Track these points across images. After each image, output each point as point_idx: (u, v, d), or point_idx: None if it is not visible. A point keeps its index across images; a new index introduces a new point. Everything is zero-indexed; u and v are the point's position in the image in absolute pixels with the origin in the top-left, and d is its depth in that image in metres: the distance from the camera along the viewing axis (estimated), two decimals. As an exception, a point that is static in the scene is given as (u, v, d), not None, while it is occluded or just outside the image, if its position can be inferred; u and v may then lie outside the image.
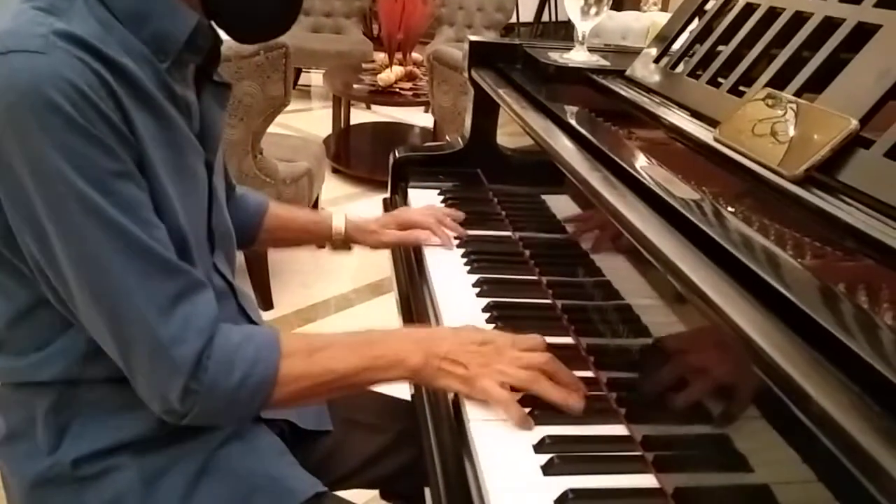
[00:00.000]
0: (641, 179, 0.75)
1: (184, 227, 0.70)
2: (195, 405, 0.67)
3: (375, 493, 1.12)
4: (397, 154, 1.40)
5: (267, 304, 2.32)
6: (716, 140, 0.82)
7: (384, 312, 2.30)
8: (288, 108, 2.22)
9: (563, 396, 0.72)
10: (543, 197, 1.10)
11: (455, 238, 1.13)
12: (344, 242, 1.12)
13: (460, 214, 1.17)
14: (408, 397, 1.01)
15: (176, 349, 0.65)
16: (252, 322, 0.87)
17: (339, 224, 1.11)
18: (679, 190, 0.73)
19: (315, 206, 2.62)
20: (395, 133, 4.17)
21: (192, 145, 0.74)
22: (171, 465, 0.75)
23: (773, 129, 0.79)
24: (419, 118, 4.41)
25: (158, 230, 0.66)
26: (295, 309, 2.34)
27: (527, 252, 1.10)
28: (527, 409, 0.72)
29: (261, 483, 0.79)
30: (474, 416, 0.73)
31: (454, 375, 0.73)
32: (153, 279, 0.64)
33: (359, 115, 4.24)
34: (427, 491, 0.75)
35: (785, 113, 0.78)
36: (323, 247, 1.19)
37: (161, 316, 0.64)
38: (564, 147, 0.89)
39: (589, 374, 0.82)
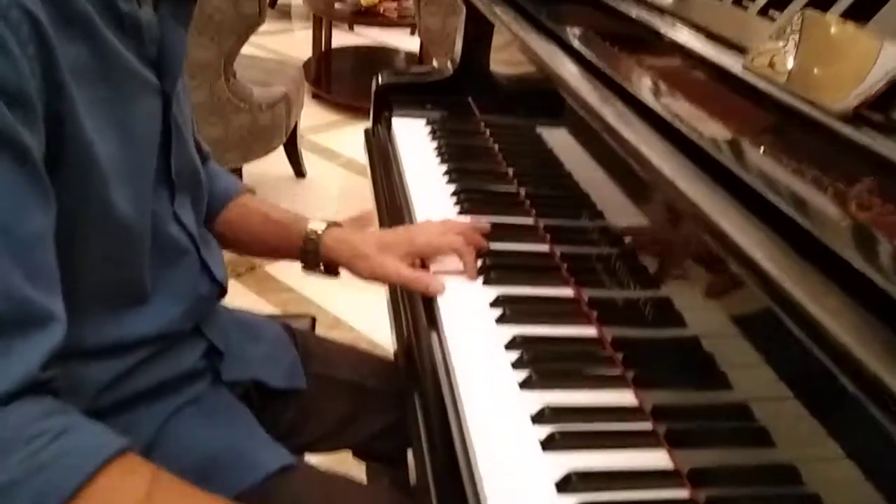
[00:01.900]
0: (661, 113, 0.65)
1: (113, 180, 0.58)
2: None
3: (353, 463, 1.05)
4: (381, 79, 1.28)
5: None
6: (745, 69, 0.72)
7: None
8: (265, 28, 2.07)
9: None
10: (539, 130, 1.00)
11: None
12: (321, 259, 0.83)
13: (486, 226, 0.88)
14: (391, 356, 0.94)
15: None
16: (217, 283, 0.75)
17: (317, 227, 0.83)
18: (705, 126, 0.63)
19: (294, 134, 2.49)
20: (378, 57, 3.98)
21: (139, 77, 0.62)
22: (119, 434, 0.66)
23: (814, 58, 0.68)
24: (405, 41, 4.20)
25: (21, 229, 0.49)
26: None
27: (522, 191, 1.01)
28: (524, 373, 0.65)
29: (220, 455, 0.70)
30: (464, 378, 0.65)
31: None
32: None
33: (341, 38, 4.05)
34: (409, 453, 0.68)
35: (828, 39, 0.68)
36: (311, 270, 0.86)
37: None
38: (572, 75, 0.78)
39: (591, 331, 0.74)
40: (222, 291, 0.77)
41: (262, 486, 0.70)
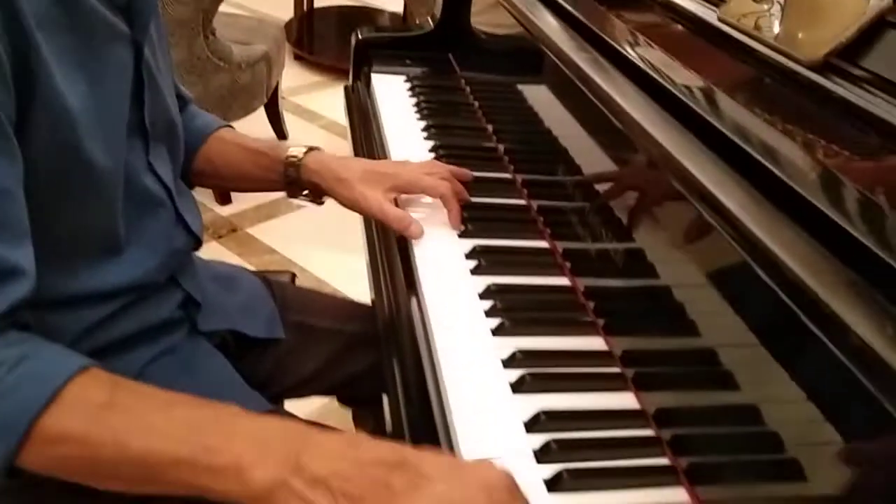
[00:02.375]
0: (636, 62, 0.65)
1: (84, 128, 0.57)
2: None
3: (331, 398, 1.07)
4: (360, 35, 1.26)
5: (224, 197, 2.20)
6: (720, 20, 0.72)
7: (349, 211, 2.21)
8: (243, -16, 2.02)
9: None
10: (520, 87, 1.00)
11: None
12: (304, 184, 0.81)
13: (468, 174, 0.86)
14: (368, 301, 0.95)
15: None
16: (192, 235, 0.74)
17: (297, 151, 0.81)
18: (679, 75, 0.63)
19: (275, 95, 2.46)
20: (362, 18, 3.91)
21: (108, 25, 0.61)
22: None
23: (786, 9, 0.69)
24: (389, 2, 4.13)
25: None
26: (255, 204, 2.23)
27: (501, 147, 1.01)
28: (497, 320, 0.66)
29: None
30: (439, 326, 0.66)
31: None
32: None
33: (323, -2, 3.96)
34: (385, 397, 0.69)
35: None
36: (295, 195, 0.84)
37: None
38: (548, 25, 0.78)
39: (564, 281, 0.75)
40: (197, 244, 0.77)
41: None
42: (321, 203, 0.85)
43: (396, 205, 0.80)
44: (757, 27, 0.68)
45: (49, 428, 0.47)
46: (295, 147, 0.83)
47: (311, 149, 0.83)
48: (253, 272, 0.96)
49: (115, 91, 0.63)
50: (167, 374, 0.71)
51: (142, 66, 0.66)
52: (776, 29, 0.66)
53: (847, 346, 0.39)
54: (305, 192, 0.84)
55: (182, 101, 0.83)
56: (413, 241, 0.78)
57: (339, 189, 0.79)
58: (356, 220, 1.00)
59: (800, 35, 0.63)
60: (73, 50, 0.56)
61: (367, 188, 0.78)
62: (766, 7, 0.70)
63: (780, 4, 0.69)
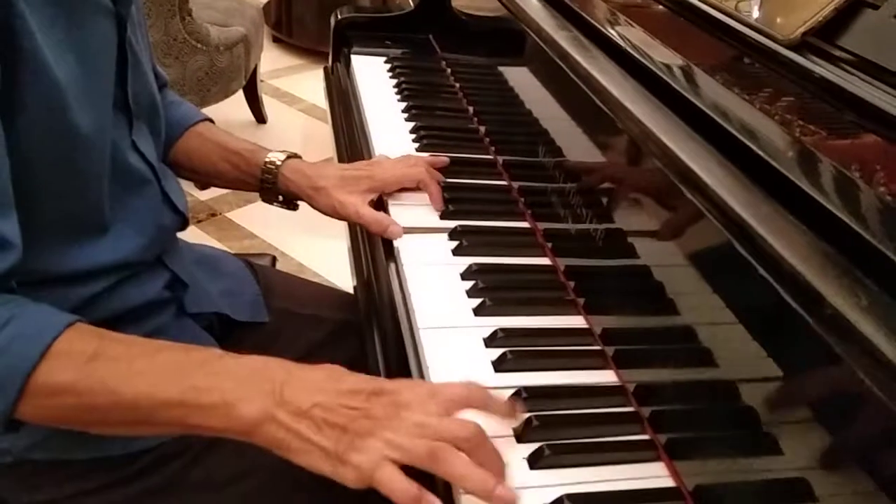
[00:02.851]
0: (616, 41, 0.65)
1: (72, 100, 0.57)
2: None
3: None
4: (339, 15, 1.25)
5: (203, 182, 2.17)
6: (701, 0, 0.72)
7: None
8: (219, -36, 1.99)
9: (488, 484, 0.46)
10: (502, 69, 0.99)
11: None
12: (280, 191, 0.81)
13: (445, 160, 0.87)
14: (350, 289, 0.94)
15: None
16: (179, 213, 0.74)
17: (275, 158, 0.80)
18: (659, 54, 0.63)
19: (253, 78, 2.43)
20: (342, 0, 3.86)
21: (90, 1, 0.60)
22: None
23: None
24: (369, -15, 4.09)
25: None
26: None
27: (482, 129, 1.00)
28: (478, 300, 0.66)
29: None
30: (421, 307, 0.66)
31: (314, 447, 0.47)
32: None
33: (302, -20, 3.90)
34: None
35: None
36: (269, 201, 0.85)
37: None
38: (529, 4, 0.77)
39: (546, 261, 0.75)
40: (184, 222, 0.76)
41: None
42: (295, 209, 0.86)
43: (375, 207, 0.79)
44: (737, 8, 0.69)
45: (43, 382, 0.49)
46: (273, 153, 0.82)
47: (290, 156, 0.83)
48: (235, 255, 0.95)
49: (101, 64, 0.62)
50: None
51: (125, 43, 0.65)
52: (756, 13, 0.67)
53: (822, 319, 0.40)
54: (280, 197, 0.84)
55: (159, 82, 0.82)
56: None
57: (315, 197, 0.80)
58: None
59: (778, 19, 0.64)
60: (58, 22, 0.56)
61: (343, 194, 0.78)
62: None
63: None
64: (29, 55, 0.53)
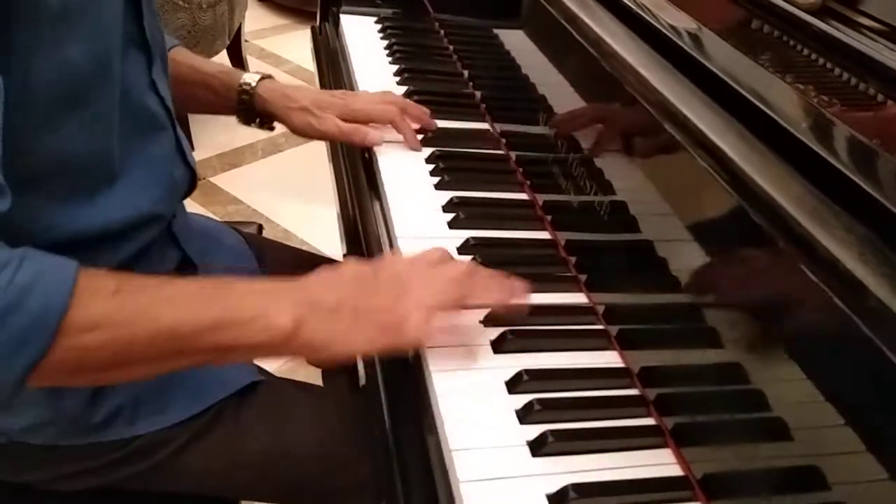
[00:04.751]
0: (624, 2, 0.62)
1: (68, 34, 0.52)
2: None
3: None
4: (328, -28, 1.19)
5: (187, 145, 2.11)
6: (713, -40, 0.68)
7: (316, 160, 2.15)
8: (200, -84, 1.90)
9: (505, 296, 0.56)
10: (498, 31, 0.95)
11: (420, 134, 0.83)
12: (257, 111, 0.81)
13: (425, 110, 0.85)
14: (339, 257, 0.91)
15: None
16: (188, 166, 0.71)
17: (250, 79, 0.80)
18: (671, 16, 0.60)
19: (237, 38, 2.35)
20: (328, -42, 3.75)
21: None
22: None
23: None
24: (356, -58, 3.97)
25: None
26: (218, 152, 2.16)
27: (477, 94, 0.96)
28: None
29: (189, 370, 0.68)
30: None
31: (364, 328, 0.51)
32: None
33: (287, -65, 3.79)
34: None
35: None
36: (247, 123, 0.85)
37: None
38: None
39: (545, 234, 0.72)
40: (193, 178, 0.73)
41: (230, 400, 0.68)
42: (272, 129, 0.86)
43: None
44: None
45: (78, 317, 0.46)
46: (248, 74, 0.82)
47: (263, 77, 0.82)
48: (228, 226, 0.92)
49: (111, 3, 0.56)
50: None
51: None
52: None
53: (841, 294, 0.37)
54: (258, 119, 0.84)
55: None
56: (388, 193, 0.74)
57: (292, 116, 0.80)
58: (321, 170, 0.96)
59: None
60: None
61: (320, 112, 0.79)
62: None
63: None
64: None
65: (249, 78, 0.81)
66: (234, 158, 2.16)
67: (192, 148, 2.24)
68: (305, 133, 0.80)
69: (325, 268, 0.55)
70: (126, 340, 0.48)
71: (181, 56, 0.83)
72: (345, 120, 0.80)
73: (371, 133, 0.78)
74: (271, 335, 0.49)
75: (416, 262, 0.56)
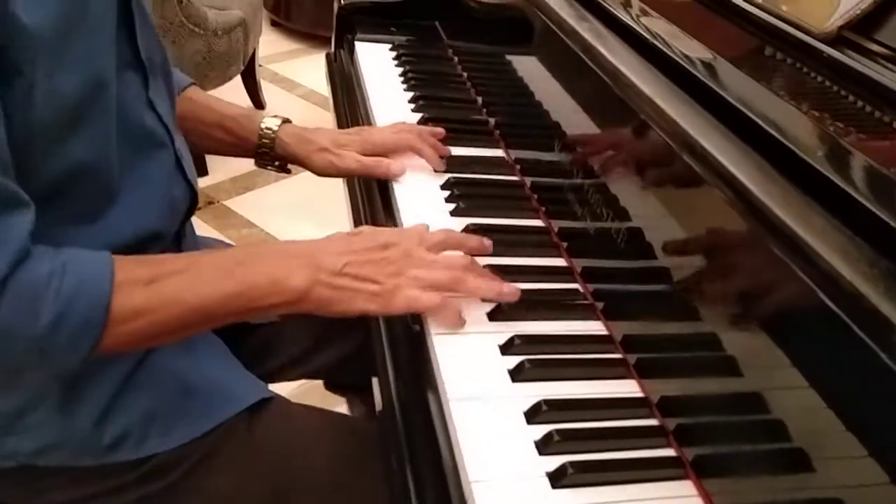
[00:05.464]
0: (639, 32, 0.62)
1: (58, 61, 0.53)
2: None
3: (319, 384, 1.04)
4: (343, 1, 1.21)
5: (200, 169, 2.13)
6: (726, -11, 0.69)
7: (329, 183, 2.16)
8: (217, -54, 1.94)
9: (495, 289, 0.61)
10: (510, 58, 0.96)
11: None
12: (278, 156, 0.82)
13: (440, 131, 0.87)
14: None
15: None
16: (188, 184, 0.72)
17: (272, 124, 0.82)
18: (684, 45, 0.60)
19: (252, 63, 2.38)
20: (340, -16, 3.80)
21: None
22: (98, 367, 0.64)
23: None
24: (368, -32, 4.03)
25: None
26: (231, 176, 2.18)
27: (491, 121, 0.97)
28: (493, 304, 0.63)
29: (198, 386, 0.68)
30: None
31: (361, 293, 0.58)
32: None
33: (300, -38, 3.84)
34: (374, 381, 0.67)
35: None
36: (264, 166, 0.86)
37: None
38: (547, -8, 0.74)
39: (561, 262, 0.72)
40: (194, 197, 0.74)
41: (240, 418, 0.68)
42: (288, 172, 0.87)
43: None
44: (765, -3, 0.65)
45: (120, 310, 0.53)
46: (269, 118, 0.83)
47: (284, 121, 0.84)
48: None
49: (94, 16, 0.57)
50: (170, 357, 0.68)
51: (130, 1, 0.62)
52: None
53: (861, 322, 0.37)
54: (276, 163, 0.85)
55: None
56: (404, 220, 0.75)
57: (313, 158, 0.81)
58: (335, 192, 0.97)
59: (810, 11, 0.61)
60: None
61: (339, 150, 0.81)
62: None
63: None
64: (3, 12, 0.49)
65: (271, 122, 0.82)
66: (247, 182, 2.18)
67: (206, 172, 2.28)
68: (328, 173, 0.81)
69: (335, 236, 0.62)
70: (163, 322, 0.56)
71: (197, 95, 0.84)
72: (365, 154, 0.81)
73: (393, 165, 0.80)
74: (287, 297, 0.57)
75: (423, 242, 0.62)
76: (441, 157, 0.84)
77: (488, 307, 0.64)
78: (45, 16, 0.52)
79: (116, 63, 0.60)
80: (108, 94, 0.59)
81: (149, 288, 0.55)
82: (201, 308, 0.56)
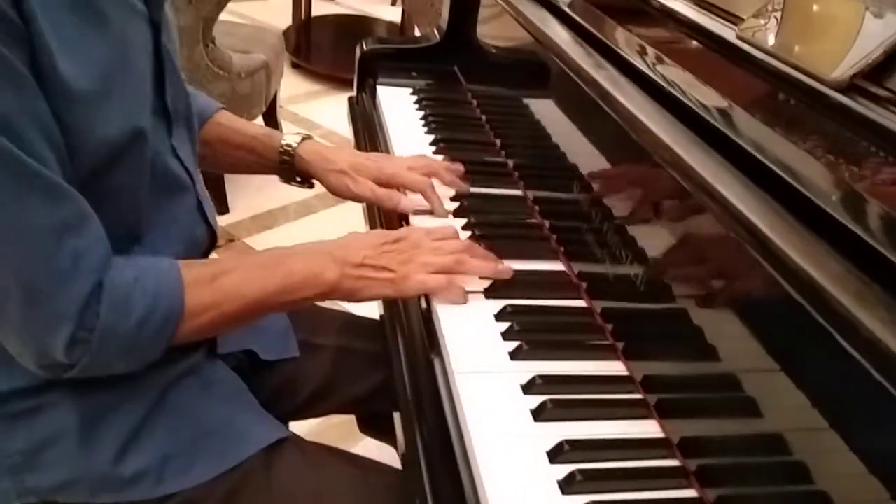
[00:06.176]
0: (656, 80, 0.64)
1: (94, 110, 0.57)
2: (85, 355, 0.58)
3: (349, 429, 1.04)
4: (365, 46, 1.25)
5: (222, 206, 2.17)
6: (739, 38, 0.71)
7: (348, 220, 2.19)
8: (242, -8, 2.01)
9: (492, 268, 0.71)
10: (526, 101, 0.98)
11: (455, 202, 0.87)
12: (298, 171, 0.87)
13: (460, 168, 0.90)
14: (376, 316, 0.93)
15: (60, 292, 0.55)
16: (208, 225, 0.76)
17: (291, 140, 0.87)
18: (700, 93, 0.62)
19: (273, 104, 2.44)
20: (359, 26, 3.91)
21: (125, 3, 0.61)
22: (117, 403, 0.66)
23: (809, 27, 0.68)
24: (386, 11, 4.13)
25: (39, 143, 0.53)
26: (252, 214, 2.21)
27: (510, 162, 0.99)
28: (514, 343, 0.64)
29: (215, 426, 0.70)
30: (454, 350, 0.64)
31: (379, 280, 0.67)
32: (31, 206, 0.53)
33: (320, 7, 3.96)
34: (396, 416, 0.68)
35: (824, 8, 0.67)
36: (287, 181, 0.91)
37: (41, 252, 0.54)
38: (565, 41, 0.77)
39: (580, 303, 0.73)
40: (213, 237, 0.77)
41: (258, 458, 0.69)
42: (311, 187, 0.91)
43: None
44: (779, 45, 0.67)
45: (192, 307, 0.61)
46: (289, 135, 0.88)
47: (304, 138, 0.87)
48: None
49: (135, 69, 0.62)
50: (189, 398, 0.70)
51: (161, 48, 0.66)
52: (770, 38, 0.66)
53: (881, 367, 0.38)
54: (298, 178, 0.89)
55: None
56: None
57: (329, 177, 0.85)
58: (353, 230, 0.98)
59: (818, 58, 0.62)
60: (80, 23, 0.55)
61: (356, 174, 0.84)
62: (763, 22, 0.69)
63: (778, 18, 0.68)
64: (48, 67, 0.53)
65: (290, 139, 0.86)
66: (267, 220, 2.21)
67: (228, 210, 2.32)
68: (342, 194, 0.85)
69: (353, 234, 0.71)
70: (228, 314, 0.63)
71: (225, 119, 0.88)
72: (379, 184, 0.83)
73: (403, 201, 0.83)
74: (322, 289, 0.66)
75: (429, 234, 0.71)
76: (461, 199, 0.86)
77: (511, 346, 0.65)
78: (89, 74, 0.55)
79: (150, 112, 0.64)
80: (143, 141, 0.63)
81: (212, 285, 0.62)
82: (258, 301, 0.64)
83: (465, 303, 0.69)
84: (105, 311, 0.57)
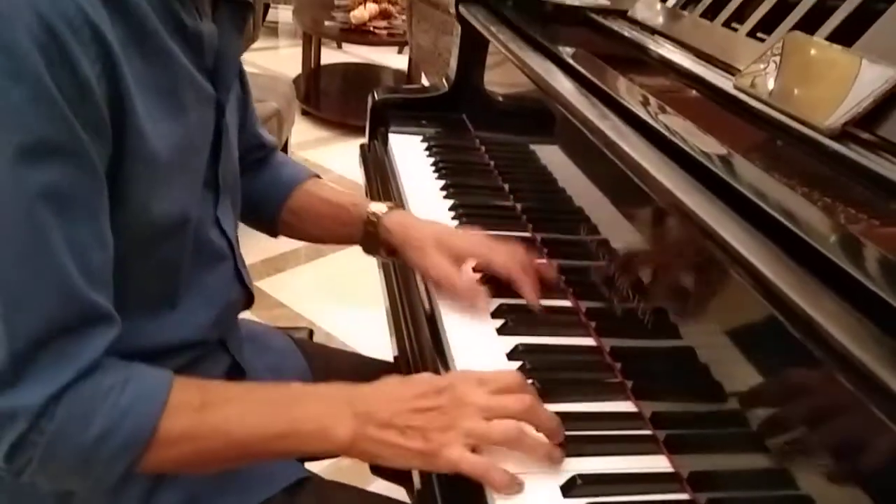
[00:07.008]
0: (659, 129, 0.68)
1: (165, 186, 0.59)
2: (32, 461, 0.53)
3: (360, 470, 1.05)
4: (376, 96, 1.29)
5: (234, 252, 2.21)
6: (736, 88, 0.75)
7: (359, 264, 2.22)
8: (254, 45, 2.08)
9: (545, 455, 0.57)
10: (532, 147, 1.02)
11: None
12: (380, 241, 0.81)
13: (546, 270, 0.82)
14: (390, 358, 0.95)
15: (23, 386, 0.51)
16: (246, 288, 0.76)
17: (377, 208, 0.81)
18: (700, 141, 0.65)
19: (284, 150, 2.50)
20: (368, 75, 4.01)
21: (197, 87, 0.62)
22: None
23: (802, 78, 0.71)
24: (393, 59, 4.24)
25: (80, 233, 0.52)
26: (263, 258, 2.25)
27: (518, 206, 1.03)
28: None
29: (237, 471, 0.71)
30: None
31: (404, 450, 0.56)
32: (41, 296, 0.51)
33: (329, 55, 4.07)
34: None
35: (816, 60, 0.71)
36: (371, 253, 0.85)
37: (26, 342, 0.50)
38: (570, 92, 0.80)
39: (590, 341, 0.75)
40: (249, 298, 0.77)
41: (279, 498, 0.70)
42: (398, 260, 0.86)
43: None
44: (753, 84, 0.71)
45: (165, 434, 0.54)
46: (376, 204, 0.84)
47: (392, 207, 0.84)
48: (277, 329, 0.96)
49: (198, 147, 0.64)
50: None
51: (221, 124, 0.67)
52: (769, 85, 0.69)
53: (879, 402, 0.40)
54: (382, 250, 0.84)
55: (266, 150, 0.85)
56: (437, 295, 0.79)
57: (410, 253, 0.80)
58: (368, 274, 1.00)
59: (812, 107, 0.66)
60: (166, 111, 0.58)
61: (439, 257, 0.77)
62: (762, 67, 0.73)
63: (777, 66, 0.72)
64: (134, 145, 0.54)
65: (377, 208, 0.82)
66: (278, 263, 2.24)
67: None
68: (419, 272, 0.80)
69: (392, 378, 0.60)
70: (203, 451, 0.57)
71: (315, 188, 0.86)
72: (458, 259, 0.77)
73: (480, 298, 0.76)
74: (331, 446, 0.57)
75: (482, 384, 0.58)
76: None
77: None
78: (168, 143, 0.57)
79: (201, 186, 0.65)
80: (189, 225, 0.63)
81: (197, 415, 0.56)
82: (245, 444, 0.57)
83: (519, 491, 0.55)
84: (61, 415, 0.51)
